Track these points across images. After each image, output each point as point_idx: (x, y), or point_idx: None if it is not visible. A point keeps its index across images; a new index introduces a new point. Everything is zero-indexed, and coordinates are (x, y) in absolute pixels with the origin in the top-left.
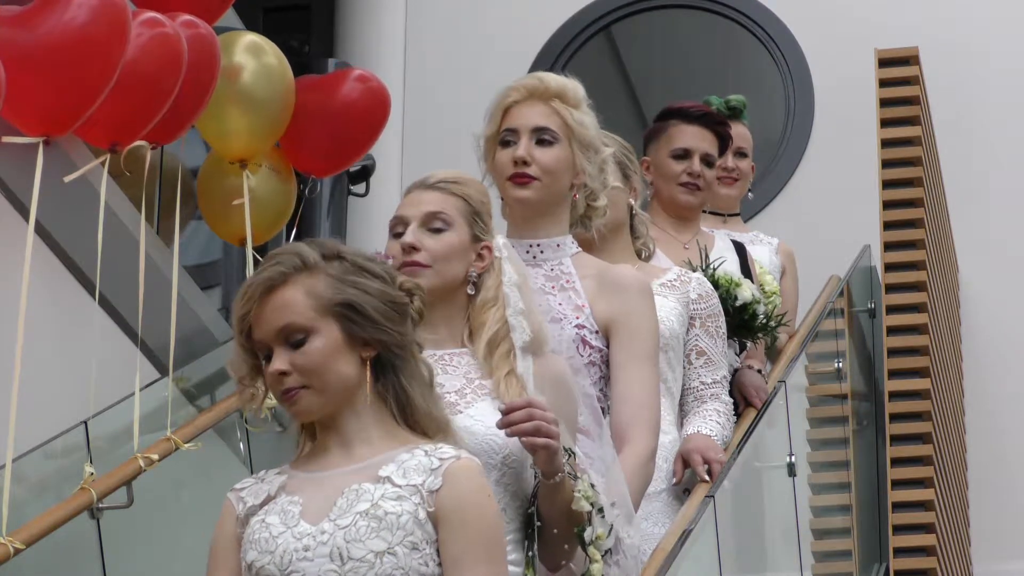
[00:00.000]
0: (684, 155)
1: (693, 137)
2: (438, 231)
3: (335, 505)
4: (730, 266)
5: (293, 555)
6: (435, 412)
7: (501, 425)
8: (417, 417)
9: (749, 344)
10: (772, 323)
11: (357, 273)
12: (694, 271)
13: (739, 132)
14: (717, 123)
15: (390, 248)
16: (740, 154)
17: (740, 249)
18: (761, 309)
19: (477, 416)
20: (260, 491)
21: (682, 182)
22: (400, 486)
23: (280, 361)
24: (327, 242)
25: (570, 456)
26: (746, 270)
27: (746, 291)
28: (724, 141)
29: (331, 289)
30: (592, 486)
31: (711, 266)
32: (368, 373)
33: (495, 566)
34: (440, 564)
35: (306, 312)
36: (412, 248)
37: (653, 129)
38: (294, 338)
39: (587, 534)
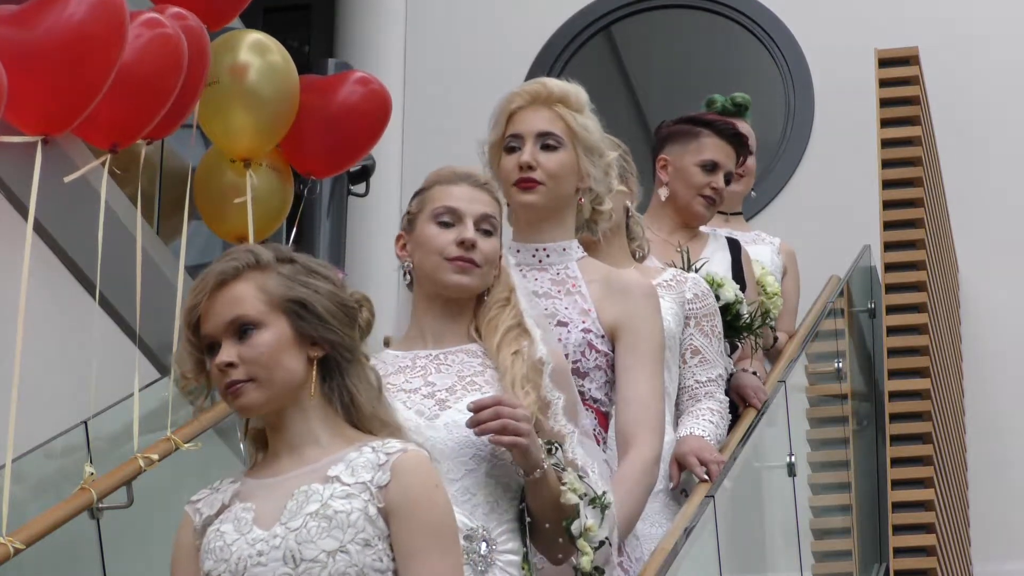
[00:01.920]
0: (712, 168)
1: (723, 153)
2: (488, 234)
3: (285, 508)
4: (722, 264)
5: (247, 561)
6: (382, 416)
7: (469, 424)
8: (362, 418)
9: (740, 347)
10: (756, 323)
11: (308, 275)
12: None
13: (744, 129)
14: (743, 144)
15: (438, 237)
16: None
17: (734, 247)
18: (744, 309)
19: (465, 410)
20: (215, 501)
21: (705, 194)
22: (349, 484)
23: (227, 353)
24: (281, 247)
25: (556, 449)
26: (738, 267)
27: (728, 291)
28: (738, 161)
29: (282, 286)
30: (580, 477)
31: (693, 267)
32: (314, 373)
33: (447, 556)
34: (395, 559)
35: (257, 306)
36: (473, 246)
37: (679, 131)
38: (243, 331)
39: (575, 527)
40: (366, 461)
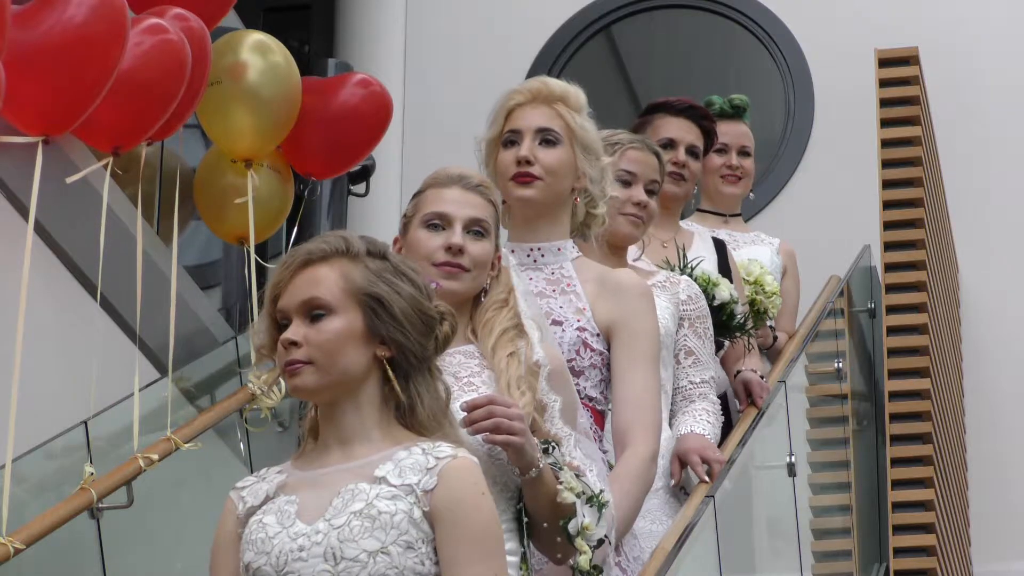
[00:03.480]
0: (669, 145)
1: (678, 128)
2: (479, 236)
3: (331, 505)
4: (708, 265)
5: (288, 555)
6: (442, 426)
7: (463, 424)
8: (417, 424)
9: (726, 344)
10: (749, 323)
11: (396, 275)
12: (672, 270)
13: (742, 131)
14: (702, 117)
15: (426, 242)
16: (744, 153)
17: (720, 247)
18: (739, 309)
19: (460, 411)
20: (259, 491)
21: (668, 172)
22: (395, 486)
23: (294, 331)
24: (378, 241)
25: (553, 449)
26: (725, 268)
27: (724, 291)
28: (710, 136)
29: (365, 279)
30: (577, 476)
31: (689, 265)
32: (382, 374)
33: (491, 564)
34: (437, 563)
35: (334, 291)
36: (460, 251)
37: (638, 124)
38: (315, 313)
39: (572, 526)
40: (414, 463)
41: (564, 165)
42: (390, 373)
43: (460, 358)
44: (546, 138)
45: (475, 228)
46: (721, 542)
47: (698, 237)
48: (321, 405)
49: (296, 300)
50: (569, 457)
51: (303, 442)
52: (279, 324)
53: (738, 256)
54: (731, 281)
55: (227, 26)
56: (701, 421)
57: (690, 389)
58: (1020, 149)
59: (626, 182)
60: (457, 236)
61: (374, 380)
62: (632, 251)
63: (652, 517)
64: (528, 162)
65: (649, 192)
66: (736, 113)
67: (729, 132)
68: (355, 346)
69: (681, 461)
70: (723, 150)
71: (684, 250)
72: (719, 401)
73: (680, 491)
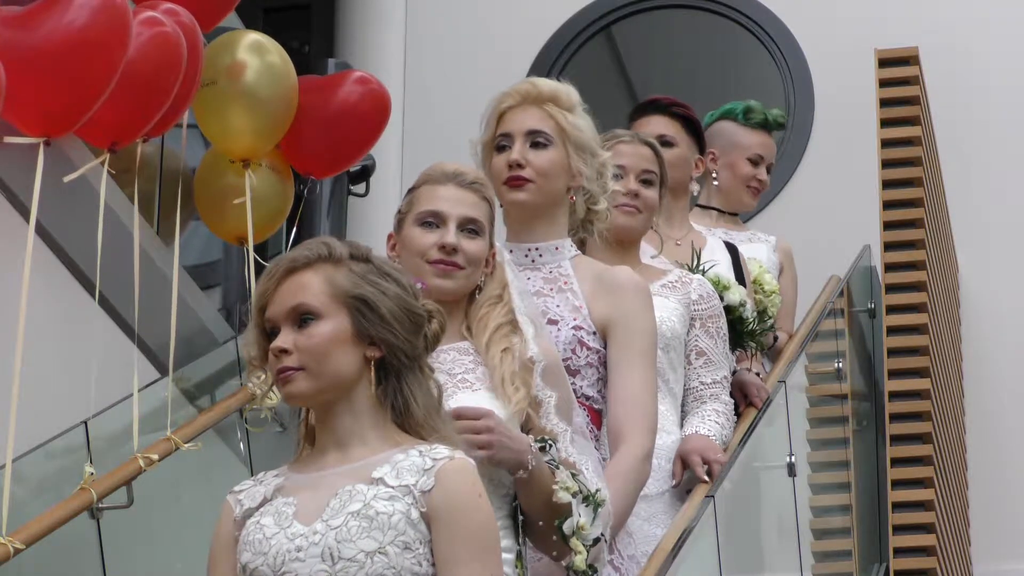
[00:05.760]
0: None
1: (648, 125)
2: (473, 234)
3: (328, 506)
4: (721, 268)
5: (286, 556)
6: (436, 426)
7: None
8: (414, 425)
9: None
10: (764, 324)
11: (379, 275)
12: (688, 271)
13: (774, 147)
14: (669, 105)
15: (420, 239)
16: (770, 168)
17: (733, 251)
18: (749, 313)
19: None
20: (257, 494)
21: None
22: (393, 487)
23: (283, 339)
24: (359, 244)
25: (550, 447)
26: (738, 271)
27: (734, 294)
28: (687, 121)
29: (350, 282)
30: (573, 475)
31: (702, 268)
32: (372, 374)
33: (488, 566)
34: (434, 564)
35: (320, 296)
36: (454, 250)
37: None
38: (302, 319)
39: (567, 525)
40: (412, 464)
41: (556, 166)
42: (370, 373)
43: (454, 355)
44: (536, 140)
45: (469, 227)
46: (721, 542)
47: (711, 240)
48: (316, 410)
49: (283, 308)
50: (565, 453)
51: (300, 447)
52: (268, 334)
53: None
54: (744, 284)
55: (227, 26)
56: (708, 422)
57: (701, 390)
58: (1020, 149)
59: (618, 176)
60: (451, 235)
61: (367, 382)
62: (648, 250)
63: (658, 521)
64: (519, 165)
65: (645, 183)
66: (779, 128)
67: (766, 145)
68: (345, 349)
69: (683, 462)
70: (758, 162)
71: (699, 252)
72: (732, 401)
73: (686, 494)
